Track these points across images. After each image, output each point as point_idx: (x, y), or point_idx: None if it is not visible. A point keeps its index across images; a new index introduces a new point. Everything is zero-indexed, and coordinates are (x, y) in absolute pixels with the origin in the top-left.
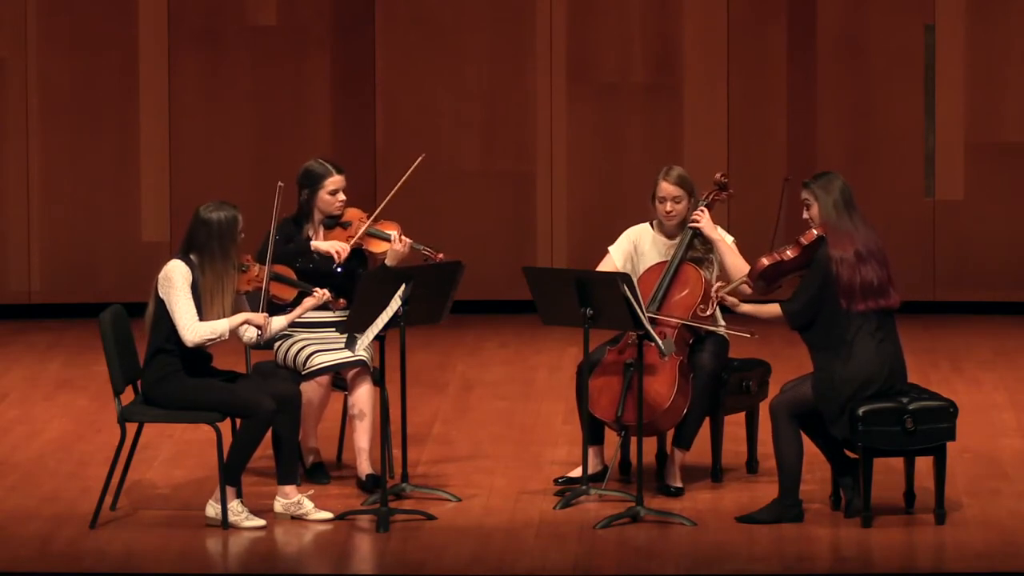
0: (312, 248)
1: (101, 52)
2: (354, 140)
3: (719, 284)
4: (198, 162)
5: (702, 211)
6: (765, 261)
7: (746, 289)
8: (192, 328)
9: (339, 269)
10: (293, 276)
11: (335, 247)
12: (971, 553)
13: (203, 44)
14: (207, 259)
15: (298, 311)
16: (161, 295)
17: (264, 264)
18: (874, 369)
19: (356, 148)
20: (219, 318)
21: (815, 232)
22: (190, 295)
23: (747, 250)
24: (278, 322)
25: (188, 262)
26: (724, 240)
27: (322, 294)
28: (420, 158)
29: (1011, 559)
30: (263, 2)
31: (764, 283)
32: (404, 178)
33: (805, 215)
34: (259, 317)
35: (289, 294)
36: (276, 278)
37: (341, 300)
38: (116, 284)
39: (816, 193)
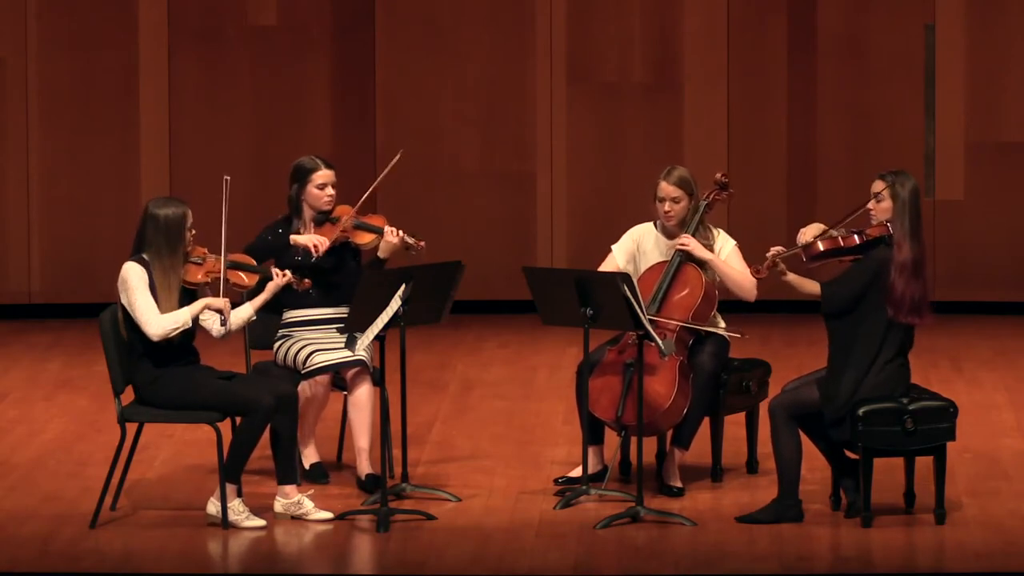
0: (292, 242)
1: (101, 52)
2: (354, 140)
3: (778, 249)
4: (198, 162)
5: (688, 237)
6: (821, 246)
7: (800, 256)
8: (154, 322)
9: (311, 260)
10: (252, 262)
11: (313, 240)
12: (971, 553)
13: (203, 44)
14: (154, 255)
15: (263, 296)
16: (123, 302)
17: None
18: (885, 395)
19: (356, 148)
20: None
21: (881, 228)
22: (148, 292)
23: (748, 250)
24: (243, 310)
25: (141, 261)
26: (718, 258)
27: (282, 275)
28: (398, 155)
29: (1011, 559)
30: (263, 2)
31: (816, 262)
32: (383, 174)
33: (870, 206)
34: (218, 301)
35: (250, 280)
36: (233, 266)
37: (306, 280)
38: (116, 284)
39: (894, 189)
